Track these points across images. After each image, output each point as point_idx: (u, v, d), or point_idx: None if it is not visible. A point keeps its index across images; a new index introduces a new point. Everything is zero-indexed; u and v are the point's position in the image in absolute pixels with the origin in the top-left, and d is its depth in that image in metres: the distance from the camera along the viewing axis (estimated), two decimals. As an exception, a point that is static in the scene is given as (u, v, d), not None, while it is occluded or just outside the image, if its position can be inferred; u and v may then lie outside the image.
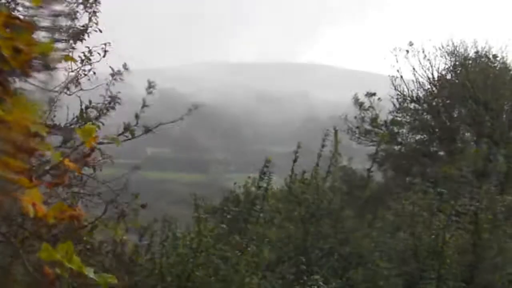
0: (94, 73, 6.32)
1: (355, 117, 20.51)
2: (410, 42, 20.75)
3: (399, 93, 20.95)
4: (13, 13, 1.50)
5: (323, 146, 11.23)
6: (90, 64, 6.30)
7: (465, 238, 9.92)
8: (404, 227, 10.29)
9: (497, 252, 9.84)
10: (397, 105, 21.03)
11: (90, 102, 5.92)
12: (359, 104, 20.28)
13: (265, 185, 9.41)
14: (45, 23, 1.65)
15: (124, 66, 6.25)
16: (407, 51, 20.59)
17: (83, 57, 6.24)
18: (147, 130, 5.88)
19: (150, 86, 6.16)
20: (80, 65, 6.20)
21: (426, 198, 10.16)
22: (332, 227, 11.46)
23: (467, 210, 9.78)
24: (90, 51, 6.30)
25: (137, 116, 5.86)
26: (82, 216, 2.30)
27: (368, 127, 20.52)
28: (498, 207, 9.96)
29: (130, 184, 6.53)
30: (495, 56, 20.29)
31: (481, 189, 10.25)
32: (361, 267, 10.38)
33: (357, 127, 20.47)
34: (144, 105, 5.98)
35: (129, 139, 5.83)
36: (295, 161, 10.46)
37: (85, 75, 6.30)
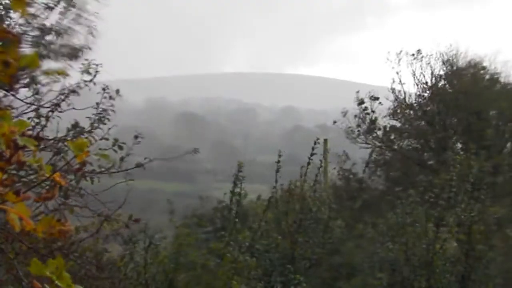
0: (95, 83, 6.27)
1: (355, 116, 20.19)
2: (419, 50, 20.57)
3: (396, 98, 20.78)
4: (3, 25, 1.46)
5: (312, 154, 11.05)
6: (90, 74, 6.23)
7: (457, 248, 9.91)
8: (396, 237, 10.26)
9: (489, 263, 9.84)
10: (392, 110, 20.82)
11: (75, 121, 5.91)
12: (363, 107, 19.96)
13: (239, 190, 9.41)
14: (33, 36, 1.62)
15: (117, 91, 6.26)
16: (413, 55, 20.41)
17: (84, 69, 6.18)
18: (139, 165, 6.07)
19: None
20: (80, 75, 6.14)
21: (417, 208, 10.14)
22: (320, 237, 11.38)
23: (460, 221, 9.77)
24: (89, 64, 6.23)
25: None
26: (71, 231, 2.23)
27: (370, 128, 20.19)
28: (491, 219, 9.98)
29: (119, 193, 6.49)
30: (483, 68, 20.42)
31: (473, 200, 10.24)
32: (352, 278, 10.33)
33: (358, 125, 20.15)
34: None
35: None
36: (277, 171, 10.37)
37: (86, 85, 6.24)
